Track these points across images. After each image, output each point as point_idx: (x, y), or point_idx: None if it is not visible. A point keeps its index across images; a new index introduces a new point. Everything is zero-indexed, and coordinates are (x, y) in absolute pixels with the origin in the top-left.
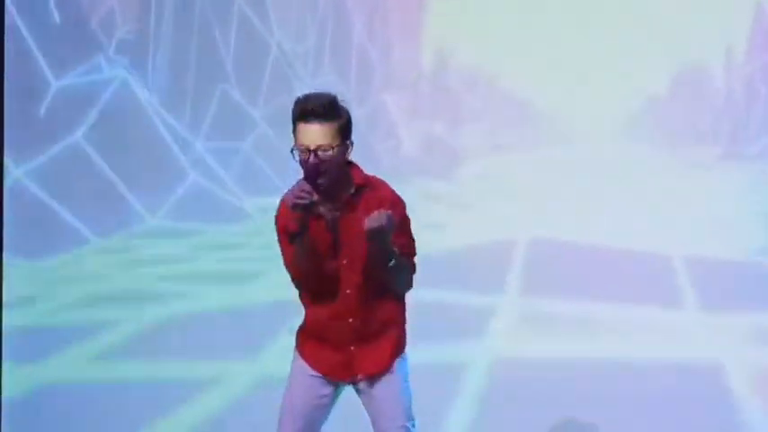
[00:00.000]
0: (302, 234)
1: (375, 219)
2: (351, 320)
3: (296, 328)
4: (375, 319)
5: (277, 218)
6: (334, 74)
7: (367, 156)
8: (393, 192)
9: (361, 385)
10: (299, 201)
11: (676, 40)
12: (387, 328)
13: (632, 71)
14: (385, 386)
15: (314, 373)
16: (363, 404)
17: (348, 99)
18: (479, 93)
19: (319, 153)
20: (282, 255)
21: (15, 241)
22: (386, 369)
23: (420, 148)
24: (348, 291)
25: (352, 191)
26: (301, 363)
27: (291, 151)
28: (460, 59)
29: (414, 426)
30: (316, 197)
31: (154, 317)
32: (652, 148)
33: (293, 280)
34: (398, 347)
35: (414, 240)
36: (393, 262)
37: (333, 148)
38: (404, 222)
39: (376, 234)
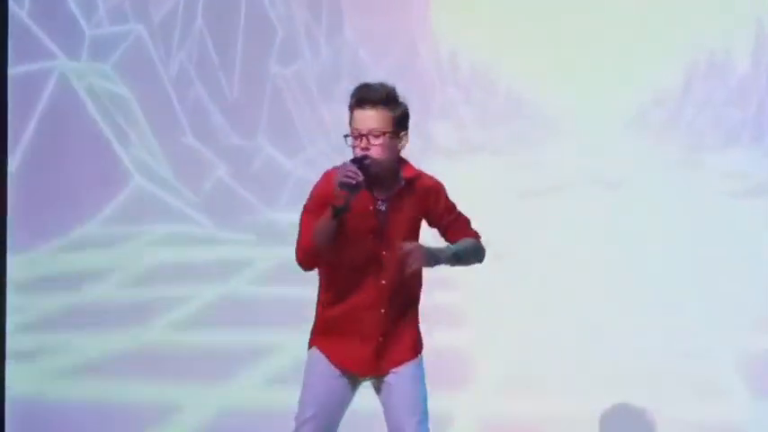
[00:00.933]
0: (344, 211)
1: (409, 262)
2: (383, 311)
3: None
4: (401, 313)
5: (318, 186)
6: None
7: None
8: (432, 178)
9: (388, 378)
10: (346, 179)
11: (689, 22)
12: (408, 322)
13: (637, 60)
14: (407, 380)
15: (333, 369)
16: (382, 397)
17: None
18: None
19: (371, 138)
20: (301, 225)
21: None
22: (409, 361)
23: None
24: (384, 281)
25: (403, 183)
26: (321, 359)
27: (345, 137)
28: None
29: (427, 423)
30: (362, 179)
31: None
32: (664, 153)
33: (306, 251)
34: (419, 343)
35: (460, 211)
36: (461, 258)
37: (384, 134)
38: (448, 203)
39: (424, 264)
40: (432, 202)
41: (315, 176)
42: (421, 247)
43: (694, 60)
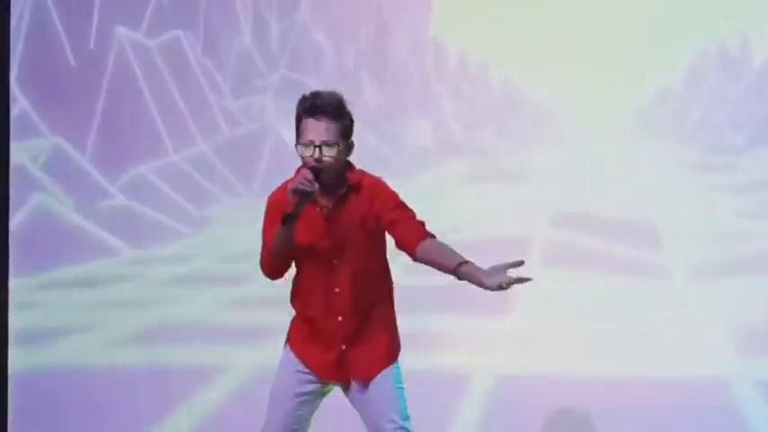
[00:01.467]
0: (295, 218)
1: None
2: (340, 319)
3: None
4: (366, 320)
5: (271, 199)
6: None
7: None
8: (372, 176)
9: (354, 388)
10: (301, 186)
11: (696, 10)
12: (378, 329)
13: (644, 51)
14: (379, 388)
15: (302, 368)
16: (355, 405)
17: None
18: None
19: (324, 149)
20: (263, 236)
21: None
22: (382, 370)
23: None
24: (337, 289)
25: (344, 189)
26: (292, 356)
27: (296, 146)
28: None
29: (410, 426)
30: (317, 187)
31: None
32: (674, 155)
33: (267, 262)
34: (391, 353)
35: (409, 208)
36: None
37: (337, 145)
38: (391, 198)
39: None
40: (378, 202)
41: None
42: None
43: (704, 53)
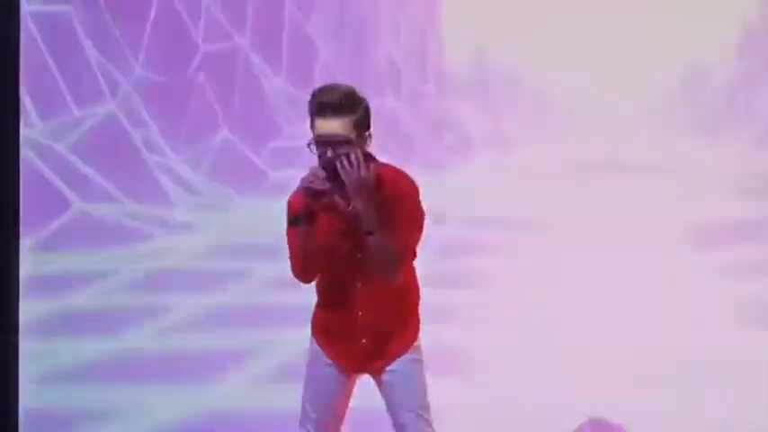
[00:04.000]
0: (307, 219)
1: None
2: (360, 314)
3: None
4: (388, 315)
5: (289, 202)
6: None
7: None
8: (406, 181)
9: (383, 375)
10: (310, 185)
11: None
12: (400, 321)
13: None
14: (402, 376)
15: (329, 360)
16: (382, 394)
17: None
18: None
19: (336, 147)
20: (288, 243)
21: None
22: (403, 355)
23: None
24: (359, 284)
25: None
26: (317, 349)
27: (308, 146)
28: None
29: (429, 416)
30: (328, 185)
31: None
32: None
33: (295, 267)
34: (414, 337)
35: (413, 233)
36: (372, 234)
37: (349, 141)
38: (410, 213)
39: (356, 188)
40: (398, 201)
41: None
42: (369, 182)
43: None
